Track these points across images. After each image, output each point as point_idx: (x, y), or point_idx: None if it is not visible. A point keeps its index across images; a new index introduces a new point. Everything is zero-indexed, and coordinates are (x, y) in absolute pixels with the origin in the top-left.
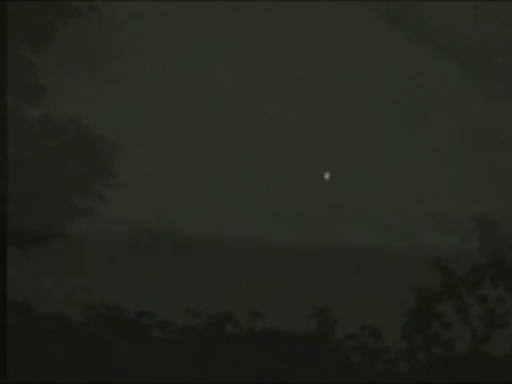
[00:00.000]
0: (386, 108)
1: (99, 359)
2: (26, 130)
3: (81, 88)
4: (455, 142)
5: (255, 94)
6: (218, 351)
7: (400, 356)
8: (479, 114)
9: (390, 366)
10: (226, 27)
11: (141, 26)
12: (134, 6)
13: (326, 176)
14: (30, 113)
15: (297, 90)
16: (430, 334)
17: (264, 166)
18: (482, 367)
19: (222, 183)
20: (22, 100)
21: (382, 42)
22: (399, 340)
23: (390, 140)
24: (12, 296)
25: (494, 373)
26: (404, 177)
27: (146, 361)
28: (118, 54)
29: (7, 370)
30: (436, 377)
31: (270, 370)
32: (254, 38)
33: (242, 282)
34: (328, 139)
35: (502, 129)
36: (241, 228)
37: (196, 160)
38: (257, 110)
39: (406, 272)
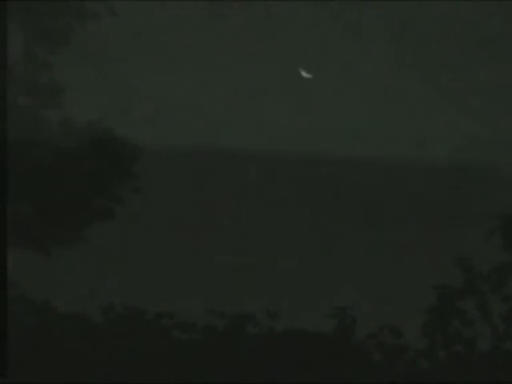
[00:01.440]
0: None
1: (119, 360)
2: (44, 132)
3: (99, 89)
4: None
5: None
6: (239, 352)
7: (420, 355)
8: None
9: (411, 365)
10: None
11: (156, 27)
12: (152, 7)
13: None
14: (48, 115)
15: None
16: (451, 332)
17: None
18: (503, 366)
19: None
20: (40, 102)
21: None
22: (420, 338)
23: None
24: (32, 296)
25: None
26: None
27: (166, 362)
28: (136, 55)
29: (8, 370)
30: (457, 375)
31: (291, 370)
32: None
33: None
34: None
35: None
36: None
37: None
38: (267, 114)
39: (426, 269)
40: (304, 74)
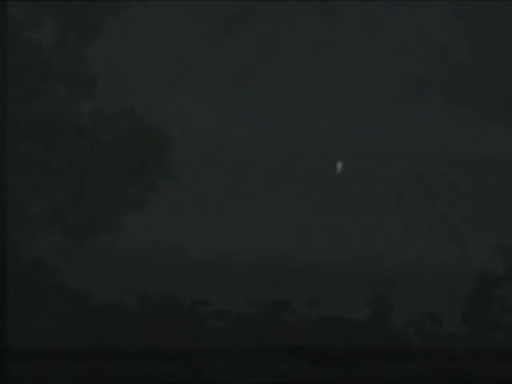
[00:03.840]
0: None
1: (155, 349)
2: (77, 122)
3: (133, 79)
4: None
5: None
6: (274, 339)
7: (461, 342)
8: None
9: (451, 352)
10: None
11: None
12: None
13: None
14: (82, 105)
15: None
16: (491, 320)
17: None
18: None
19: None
20: (73, 92)
21: None
22: (460, 325)
23: None
24: (69, 285)
25: None
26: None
27: (201, 349)
28: (167, 46)
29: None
30: (497, 362)
31: (327, 357)
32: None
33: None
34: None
35: None
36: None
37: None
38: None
39: (464, 256)
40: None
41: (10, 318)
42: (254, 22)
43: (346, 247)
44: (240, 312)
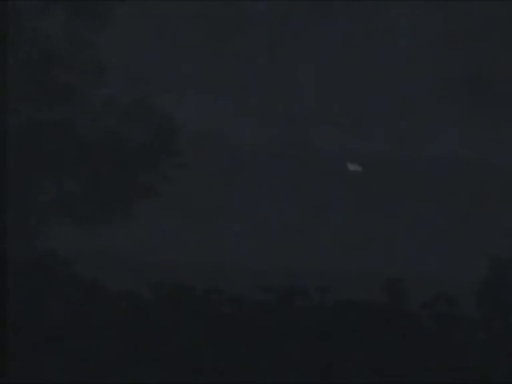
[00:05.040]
0: None
1: (169, 337)
2: (90, 110)
3: (145, 67)
4: None
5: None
6: (288, 326)
7: (476, 324)
8: None
9: (466, 335)
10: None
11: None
12: None
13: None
14: (94, 93)
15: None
16: (507, 302)
17: None
18: None
19: None
20: (85, 81)
21: None
22: (475, 308)
23: None
24: (81, 275)
25: None
26: None
27: (215, 337)
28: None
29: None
30: None
31: (344, 342)
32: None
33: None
34: None
35: None
36: None
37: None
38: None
39: (480, 239)
40: (351, 166)
41: (9, 317)
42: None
43: None
44: None
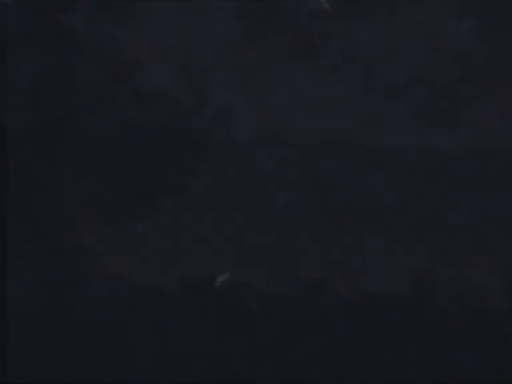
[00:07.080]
0: None
1: (192, 330)
2: (115, 104)
3: (168, 61)
4: None
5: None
6: (314, 318)
7: (504, 317)
8: None
9: (494, 327)
10: None
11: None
12: None
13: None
14: (119, 87)
15: None
16: None
17: None
18: None
19: None
20: (111, 75)
21: None
22: (503, 301)
23: None
24: (107, 268)
25: None
26: None
27: (239, 330)
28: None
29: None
30: None
31: (371, 334)
32: None
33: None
34: None
35: None
36: None
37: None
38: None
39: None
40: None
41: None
42: None
43: None
44: None
